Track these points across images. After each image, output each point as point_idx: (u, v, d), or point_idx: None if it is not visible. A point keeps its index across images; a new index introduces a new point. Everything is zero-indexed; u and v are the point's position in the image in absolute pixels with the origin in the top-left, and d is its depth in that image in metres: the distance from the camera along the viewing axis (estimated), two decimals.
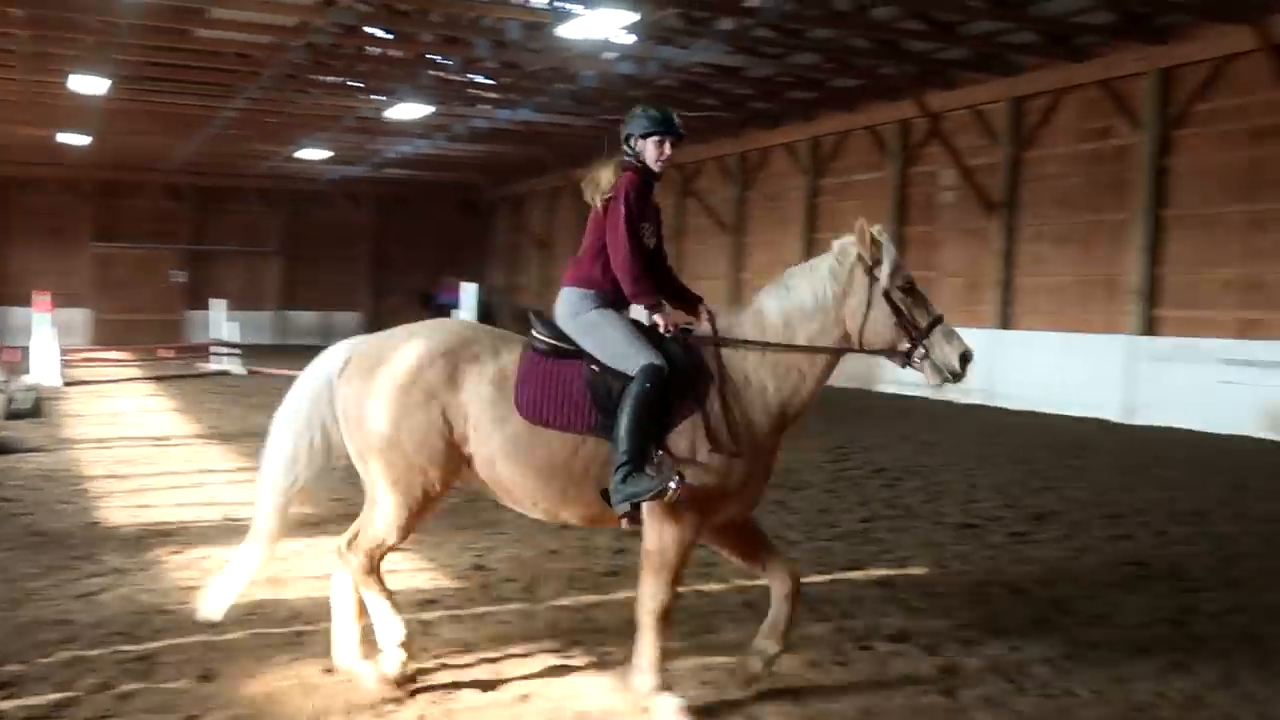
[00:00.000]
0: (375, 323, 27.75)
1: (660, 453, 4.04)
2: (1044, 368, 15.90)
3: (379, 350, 4.34)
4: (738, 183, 23.57)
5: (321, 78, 18.50)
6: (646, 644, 4.12)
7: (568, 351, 4.23)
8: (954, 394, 17.22)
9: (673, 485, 3.97)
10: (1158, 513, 8.48)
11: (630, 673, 4.18)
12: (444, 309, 18.37)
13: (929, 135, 18.24)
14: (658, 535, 4.11)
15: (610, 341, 4.22)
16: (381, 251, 32.64)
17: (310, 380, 4.41)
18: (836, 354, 4.26)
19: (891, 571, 6.46)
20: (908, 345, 4.19)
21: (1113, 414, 14.79)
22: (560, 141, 24.31)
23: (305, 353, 5.68)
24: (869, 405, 16.69)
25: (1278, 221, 13.53)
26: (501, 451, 4.15)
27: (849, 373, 19.17)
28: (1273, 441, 12.74)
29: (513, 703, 4.28)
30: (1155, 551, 7.17)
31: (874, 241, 4.18)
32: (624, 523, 4.14)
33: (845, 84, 18.28)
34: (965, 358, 4.18)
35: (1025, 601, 5.91)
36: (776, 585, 4.38)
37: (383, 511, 4.24)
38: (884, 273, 4.17)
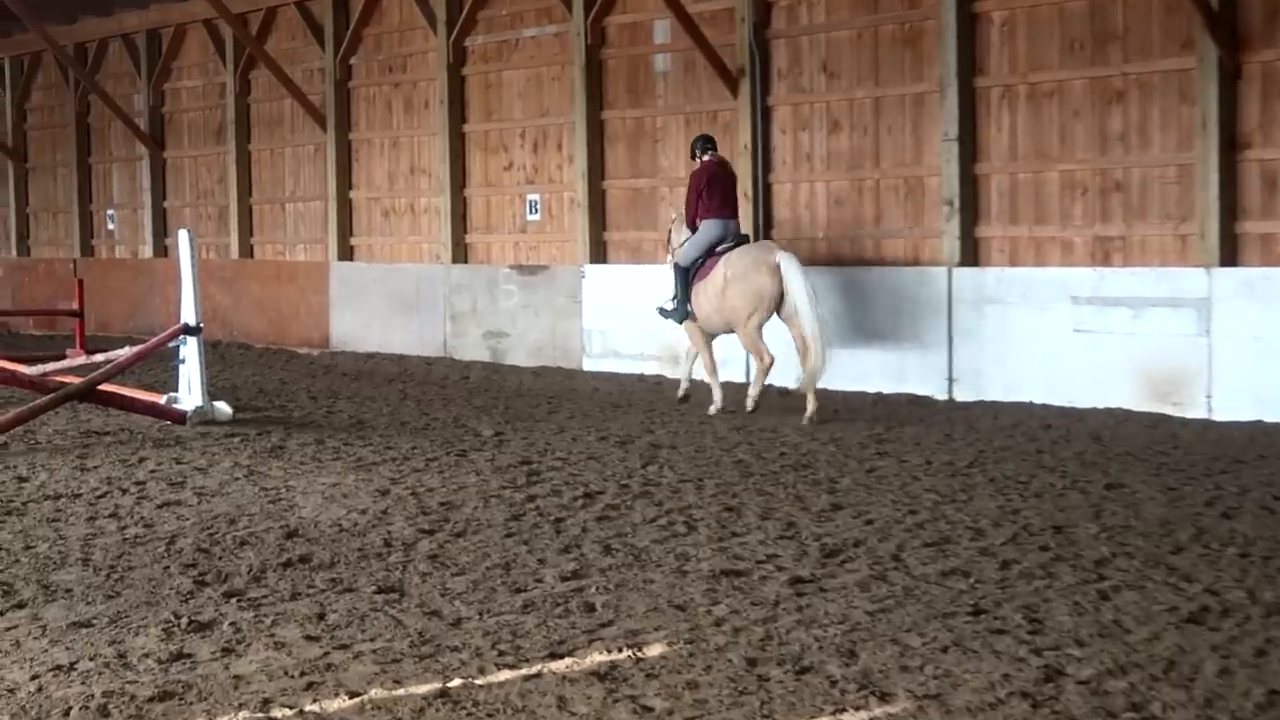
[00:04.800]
0: None
1: None
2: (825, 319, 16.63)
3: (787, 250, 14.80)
4: (332, 47, 23.33)
5: None
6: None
7: None
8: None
9: None
10: (1001, 531, 9.06)
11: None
12: None
13: None
14: None
15: None
16: None
17: (778, 274, 14.23)
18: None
19: (617, 656, 6.56)
20: None
21: (924, 384, 15.80)
22: None
23: None
24: (569, 392, 17.00)
25: (1137, 90, 14.75)
26: None
27: (531, 344, 19.70)
28: (1156, 414, 13.96)
29: None
30: (1002, 590, 7.65)
31: None
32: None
33: None
34: None
35: (818, 687, 6.14)
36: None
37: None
38: None
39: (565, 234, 20.21)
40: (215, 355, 20.40)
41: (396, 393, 17.20)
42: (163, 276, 25.44)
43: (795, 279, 14.17)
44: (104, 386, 14.22)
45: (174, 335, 14.57)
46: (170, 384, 14.66)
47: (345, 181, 23.55)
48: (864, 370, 16.21)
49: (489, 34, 21.10)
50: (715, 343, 15.33)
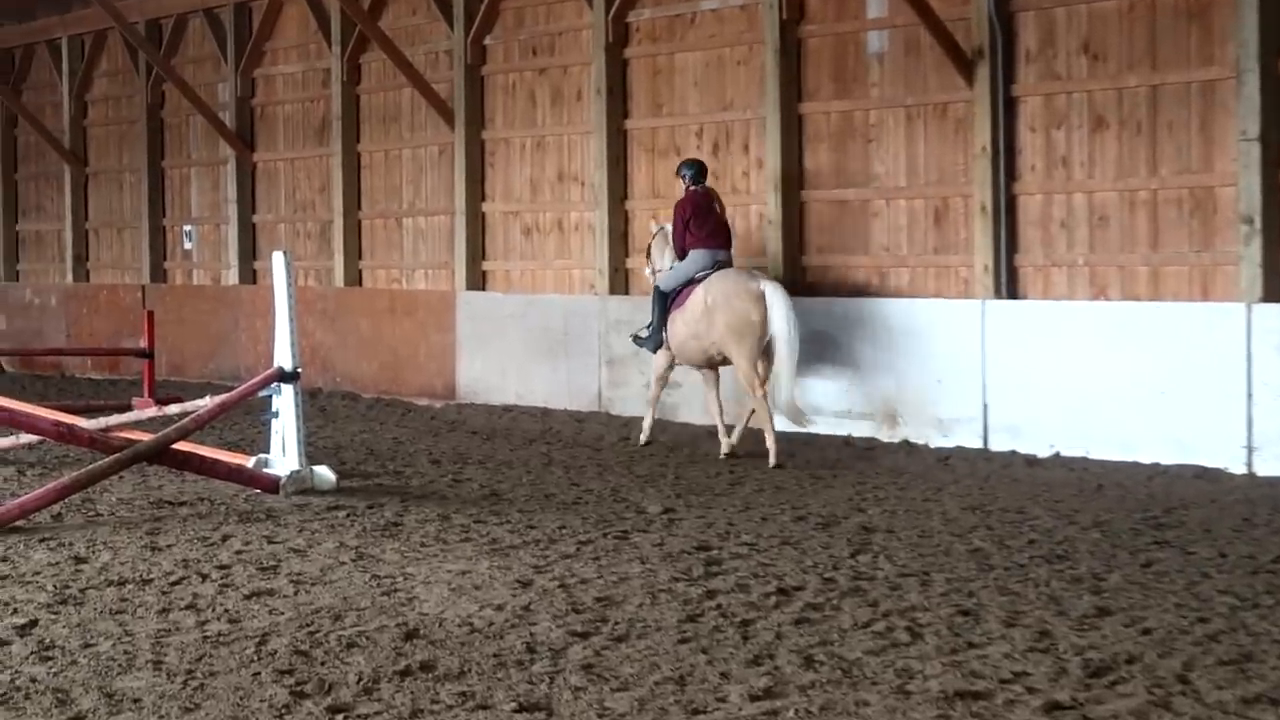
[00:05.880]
0: None
1: None
2: (1082, 371, 16.52)
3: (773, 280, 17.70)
4: (462, 24, 23.62)
5: None
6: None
7: None
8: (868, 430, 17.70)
9: None
10: None
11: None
12: None
13: None
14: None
15: None
16: None
17: (762, 301, 16.75)
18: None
19: None
20: None
21: (1215, 454, 15.54)
22: None
23: None
24: (755, 458, 17.04)
25: None
26: None
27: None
28: None
29: None
30: None
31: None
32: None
33: None
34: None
35: None
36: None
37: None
38: None
39: (752, 258, 20.16)
40: (315, 407, 20.68)
41: (539, 457, 17.36)
42: (250, 308, 25.93)
43: (779, 308, 16.67)
44: (179, 445, 14.38)
45: (265, 382, 14.77)
46: (260, 443, 14.86)
47: (477, 191, 23.81)
48: (1135, 436, 16.02)
49: (658, 7, 21.23)
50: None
